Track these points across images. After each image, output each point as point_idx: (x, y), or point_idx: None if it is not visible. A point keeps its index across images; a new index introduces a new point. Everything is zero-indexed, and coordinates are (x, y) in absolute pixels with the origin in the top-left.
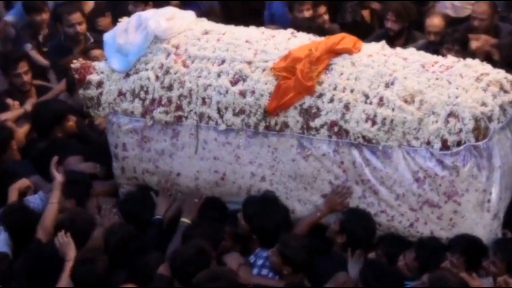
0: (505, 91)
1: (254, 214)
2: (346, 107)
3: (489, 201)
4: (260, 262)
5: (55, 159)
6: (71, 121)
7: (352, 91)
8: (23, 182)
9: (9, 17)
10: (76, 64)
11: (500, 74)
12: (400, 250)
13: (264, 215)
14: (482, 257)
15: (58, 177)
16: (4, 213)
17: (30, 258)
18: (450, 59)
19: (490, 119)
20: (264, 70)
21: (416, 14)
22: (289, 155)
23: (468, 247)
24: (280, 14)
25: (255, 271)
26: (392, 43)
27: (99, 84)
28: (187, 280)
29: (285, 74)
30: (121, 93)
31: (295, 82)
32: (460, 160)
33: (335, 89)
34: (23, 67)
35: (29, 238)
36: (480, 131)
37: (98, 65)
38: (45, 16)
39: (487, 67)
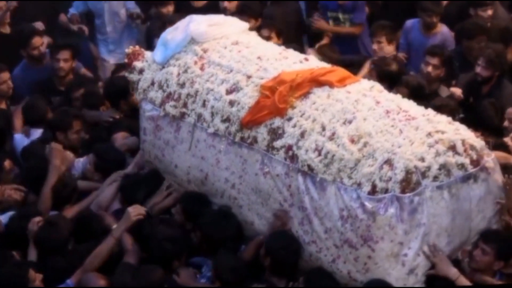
0: (456, 153)
1: (206, 224)
2: (302, 134)
3: (405, 255)
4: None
5: None
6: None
7: (314, 120)
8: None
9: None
10: (129, 49)
11: (458, 135)
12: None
13: (216, 226)
14: None
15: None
16: None
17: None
18: (421, 111)
19: (424, 174)
20: (256, 85)
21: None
22: (254, 169)
23: None
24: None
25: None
26: (478, 88)
27: (141, 71)
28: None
29: (267, 93)
30: (153, 82)
31: (271, 102)
32: (380, 207)
33: (302, 116)
34: (64, 54)
35: None
36: (408, 184)
37: (147, 54)
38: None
39: (449, 126)
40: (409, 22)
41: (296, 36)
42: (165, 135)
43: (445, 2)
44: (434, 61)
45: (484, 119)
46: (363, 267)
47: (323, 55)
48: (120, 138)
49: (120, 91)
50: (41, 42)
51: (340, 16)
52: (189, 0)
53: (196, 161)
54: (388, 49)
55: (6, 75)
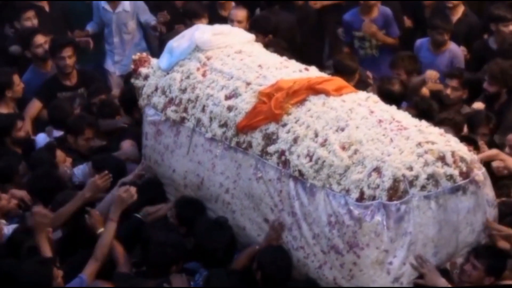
0: (446, 164)
1: (200, 233)
2: (295, 140)
3: (391, 263)
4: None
5: None
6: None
7: (307, 127)
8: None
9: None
10: (136, 56)
11: (448, 147)
12: None
13: (209, 237)
14: None
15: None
16: None
17: None
18: (414, 122)
19: (411, 183)
20: (254, 92)
21: None
22: (247, 173)
23: None
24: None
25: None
26: (490, 103)
27: (146, 77)
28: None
29: (264, 99)
30: (156, 88)
31: (267, 108)
32: (367, 214)
33: (296, 122)
34: (67, 51)
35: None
36: (396, 192)
37: (153, 60)
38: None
39: (440, 138)
40: (419, 42)
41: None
42: (165, 140)
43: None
44: (453, 83)
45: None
46: (348, 273)
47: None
48: (126, 146)
49: (135, 98)
50: (44, 40)
51: (366, 35)
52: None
53: (193, 165)
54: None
55: (17, 78)
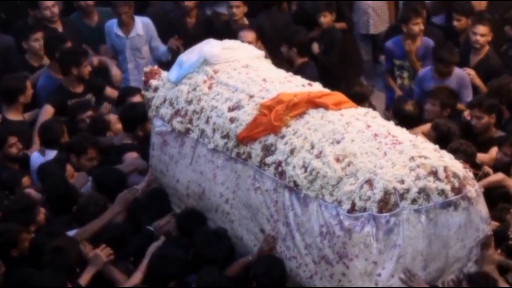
0: (437, 179)
1: (200, 242)
2: (292, 151)
3: (379, 275)
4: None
5: None
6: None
7: (304, 139)
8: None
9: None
10: (147, 68)
11: (441, 162)
12: None
13: (209, 246)
14: None
15: None
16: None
17: None
18: (409, 137)
19: (402, 196)
20: (256, 104)
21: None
22: (246, 184)
23: None
24: None
25: None
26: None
27: (155, 88)
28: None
29: (265, 111)
30: (165, 100)
31: (267, 120)
32: (357, 225)
33: (294, 134)
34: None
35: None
36: (386, 204)
37: (163, 73)
38: None
39: (434, 153)
40: (422, 72)
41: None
42: (171, 150)
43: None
44: (475, 112)
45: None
46: (337, 284)
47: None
48: (130, 158)
49: (139, 117)
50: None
51: (406, 64)
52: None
53: (195, 176)
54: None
55: (29, 83)
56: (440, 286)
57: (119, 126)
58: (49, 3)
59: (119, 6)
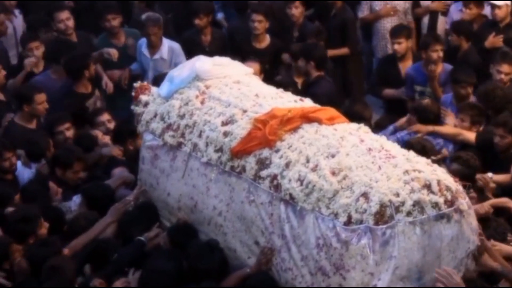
0: (431, 192)
1: (192, 255)
2: (287, 164)
3: (375, 286)
4: None
5: None
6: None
7: (299, 152)
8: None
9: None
10: (137, 84)
11: (434, 175)
12: None
13: (201, 258)
14: None
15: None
16: None
17: None
18: (402, 152)
19: (397, 209)
20: (250, 119)
21: None
22: (240, 196)
23: None
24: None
25: None
26: None
27: (146, 104)
28: None
29: (259, 126)
30: (155, 115)
31: (262, 134)
32: (354, 237)
33: (289, 148)
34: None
35: None
36: (382, 216)
37: (153, 89)
38: None
39: (427, 167)
40: (443, 98)
41: None
42: (162, 164)
43: None
44: (499, 131)
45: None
46: None
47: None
48: (118, 172)
49: (133, 131)
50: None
51: (427, 90)
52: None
53: (187, 189)
54: (467, 133)
55: (43, 97)
56: None
57: (106, 140)
58: (64, 16)
59: (148, 27)
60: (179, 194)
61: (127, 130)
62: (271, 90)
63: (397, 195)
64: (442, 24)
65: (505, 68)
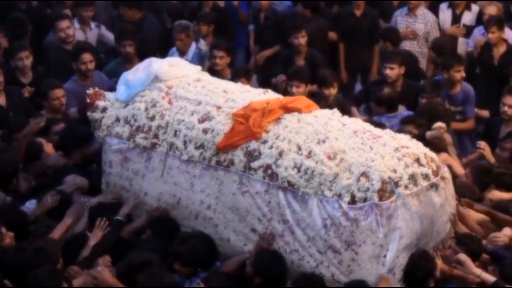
0: (421, 164)
1: (178, 245)
2: (280, 154)
3: (385, 256)
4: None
5: None
6: (93, 148)
7: (289, 141)
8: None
9: None
10: (90, 90)
11: (420, 149)
12: None
13: (187, 247)
14: None
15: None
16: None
17: None
18: (382, 131)
19: (396, 184)
20: (227, 114)
21: None
22: (231, 189)
23: None
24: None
25: None
26: None
27: (104, 109)
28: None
29: (241, 120)
30: (117, 119)
31: (246, 127)
32: (362, 214)
33: (277, 138)
34: (87, 57)
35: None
36: (384, 193)
37: (108, 94)
38: None
39: (411, 142)
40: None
41: None
42: (134, 166)
43: None
44: (509, 145)
45: None
46: (346, 269)
47: None
48: (71, 180)
49: (79, 139)
50: (90, 59)
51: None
52: None
53: (168, 187)
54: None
55: (60, 92)
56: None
57: (49, 148)
58: (64, 25)
59: (176, 33)
60: (159, 193)
61: (74, 138)
62: (235, 85)
63: (394, 171)
64: (463, 46)
65: (509, 100)
